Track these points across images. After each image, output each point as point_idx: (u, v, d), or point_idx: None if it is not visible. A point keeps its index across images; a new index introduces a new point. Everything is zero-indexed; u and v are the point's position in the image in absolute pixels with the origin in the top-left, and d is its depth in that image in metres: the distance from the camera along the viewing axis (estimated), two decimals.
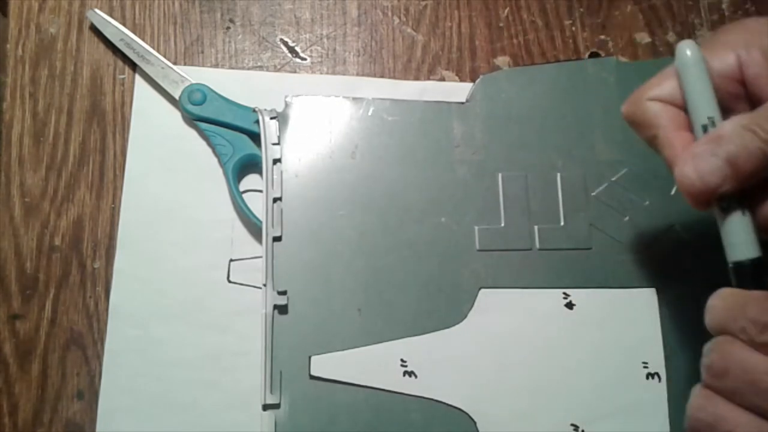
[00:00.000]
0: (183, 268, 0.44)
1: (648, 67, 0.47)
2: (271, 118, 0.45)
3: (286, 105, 0.45)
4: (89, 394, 0.42)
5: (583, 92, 0.46)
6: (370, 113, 0.45)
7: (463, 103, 0.46)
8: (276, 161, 0.44)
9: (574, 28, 0.49)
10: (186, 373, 0.42)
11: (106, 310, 0.43)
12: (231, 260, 0.44)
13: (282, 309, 0.41)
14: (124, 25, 0.47)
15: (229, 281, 0.44)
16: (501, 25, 0.49)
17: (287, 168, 0.44)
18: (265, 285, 0.41)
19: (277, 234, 0.42)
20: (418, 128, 0.45)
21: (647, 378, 0.41)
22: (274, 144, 0.44)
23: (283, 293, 0.41)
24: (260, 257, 0.43)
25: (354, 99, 0.46)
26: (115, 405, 0.41)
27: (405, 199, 0.44)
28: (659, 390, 0.41)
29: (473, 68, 0.48)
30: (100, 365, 0.42)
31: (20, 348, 0.43)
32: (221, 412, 0.41)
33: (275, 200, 0.43)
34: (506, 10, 0.49)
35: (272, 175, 0.43)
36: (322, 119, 0.45)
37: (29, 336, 0.43)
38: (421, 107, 0.46)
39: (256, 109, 0.45)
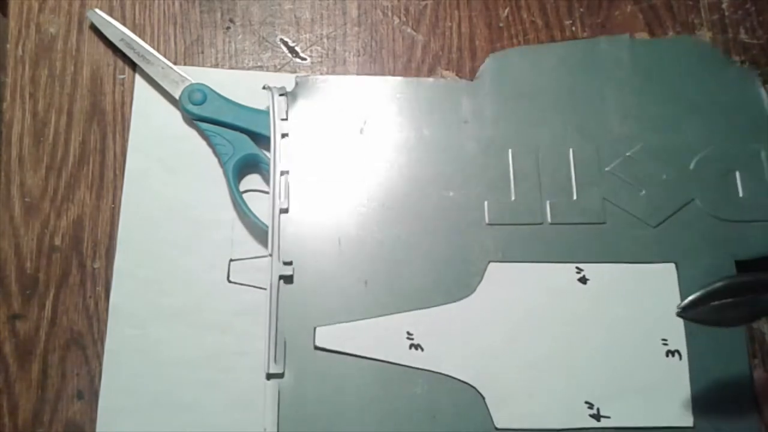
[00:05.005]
0: (183, 268, 0.44)
1: (663, 44, 0.47)
2: (281, 95, 0.45)
3: (296, 84, 0.45)
4: (89, 394, 0.42)
5: (596, 69, 0.46)
6: (378, 91, 0.45)
7: (472, 80, 0.46)
8: (284, 135, 0.44)
9: (574, 28, 0.49)
10: (186, 373, 0.42)
11: (106, 310, 0.43)
12: (231, 260, 0.44)
13: (287, 279, 0.41)
14: (124, 25, 0.47)
15: (229, 281, 0.44)
16: (501, 25, 0.49)
17: (295, 142, 0.44)
18: (271, 255, 0.41)
19: (285, 206, 0.42)
20: (426, 105, 0.45)
21: (667, 356, 0.40)
22: (282, 119, 0.44)
23: (288, 264, 0.41)
24: (260, 257, 0.43)
25: (363, 76, 0.45)
26: (115, 405, 0.41)
27: (412, 174, 0.43)
28: (680, 368, 0.40)
29: (473, 68, 0.48)
30: (100, 365, 0.42)
31: (20, 348, 0.43)
32: (221, 412, 0.41)
33: (283, 173, 0.43)
34: (506, 10, 0.49)
35: (280, 149, 0.43)
36: (330, 97, 0.45)
37: (29, 336, 0.43)
38: (430, 84, 0.46)
39: (266, 86, 0.45)
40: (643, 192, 0.43)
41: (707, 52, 0.47)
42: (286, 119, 0.44)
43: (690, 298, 0.35)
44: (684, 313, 0.35)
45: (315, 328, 0.40)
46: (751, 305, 0.35)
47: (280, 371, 0.40)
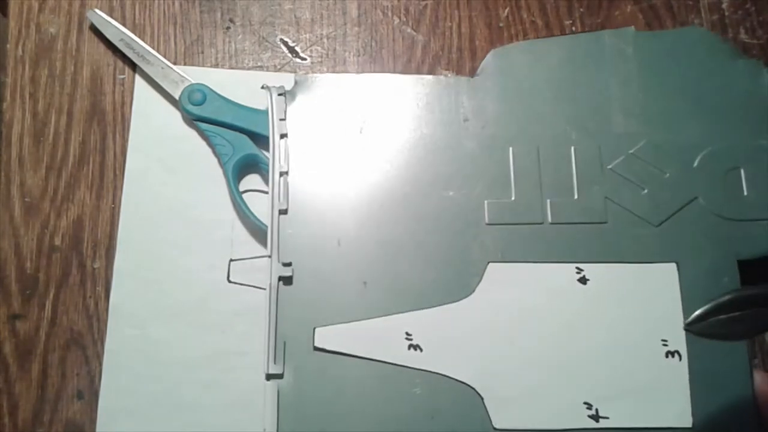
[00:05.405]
0: (183, 268, 0.44)
1: (668, 36, 0.46)
2: (279, 95, 0.45)
3: (296, 83, 0.45)
4: (89, 394, 0.42)
5: (599, 64, 0.45)
6: (378, 89, 0.45)
7: (470, 76, 0.46)
8: (283, 136, 0.44)
9: (574, 28, 0.49)
10: (186, 373, 0.42)
11: (106, 310, 0.43)
12: (231, 260, 0.44)
13: (287, 280, 0.41)
14: (124, 25, 0.47)
15: (229, 281, 0.44)
16: (501, 25, 0.49)
17: (294, 142, 0.44)
18: (270, 256, 0.41)
19: (284, 207, 0.42)
20: (426, 103, 0.45)
21: (667, 356, 0.40)
22: (281, 119, 0.44)
23: (288, 265, 0.41)
24: (260, 257, 0.43)
25: (362, 75, 0.46)
26: (115, 405, 0.42)
27: (412, 174, 0.43)
28: (680, 368, 0.39)
29: (473, 68, 0.48)
30: (100, 365, 0.42)
31: (20, 348, 0.43)
32: (221, 412, 0.42)
33: (282, 174, 0.43)
34: (506, 10, 0.49)
35: (279, 149, 0.43)
36: (330, 95, 0.45)
37: (29, 336, 0.43)
38: (430, 82, 0.45)
39: (265, 86, 0.45)
40: (646, 190, 0.43)
41: (714, 43, 0.46)
42: (285, 119, 0.44)
43: (697, 312, 0.35)
44: (691, 327, 0.35)
45: (314, 329, 0.40)
46: (759, 318, 0.35)
47: (280, 372, 0.40)
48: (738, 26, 0.49)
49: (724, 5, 0.50)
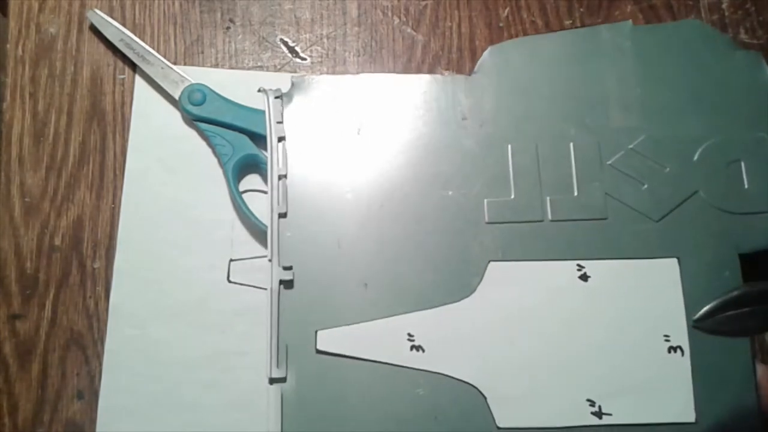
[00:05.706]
0: (183, 268, 0.44)
1: (665, 30, 0.46)
2: (276, 97, 0.44)
3: (292, 85, 0.45)
4: (89, 394, 0.42)
5: (596, 59, 0.45)
6: (375, 89, 0.45)
7: (469, 75, 0.46)
8: (281, 139, 0.44)
9: (574, 28, 0.49)
10: (186, 373, 0.42)
11: (106, 310, 0.43)
12: (231, 260, 0.44)
13: (288, 284, 0.41)
14: (124, 25, 0.47)
15: (229, 281, 0.44)
16: (501, 25, 0.49)
17: (292, 145, 0.44)
18: (270, 260, 0.41)
19: (283, 211, 0.42)
20: (423, 102, 0.45)
21: (669, 351, 0.40)
22: (278, 122, 0.44)
23: (288, 268, 0.41)
24: (260, 258, 0.43)
25: (358, 75, 0.46)
26: (115, 405, 0.41)
27: (411, 173, 0.43)
28: (682, 364, 0.39)
29: (473, 68, 0.48)
30: (100, 365, 0.42)
31: (20, 348, 0.43)
32: (221, 412, 0.41)
33: (280, 177, 0.43)
34: (506, 10, 0.50)
35: (277, 152, 0.43)
36: (327, 97, 0.45)
37: (29, 336, 0.43)
38: (427, 81, 0.45)
39: (261, 89, 0.45)
40: (646, 185, 0.43)
41: (712, 35, 0.46)
42: (282, 122, 0.44)
43: (704, 309, 0.34)
44: (699, 324, 0.35)
45: (316, 332, 0.40)
46: (766, 315, 0.34)
47: (283, 375, 0.39)
48: (738, 26, 0.49)
49: (724, 5, 0.50)
